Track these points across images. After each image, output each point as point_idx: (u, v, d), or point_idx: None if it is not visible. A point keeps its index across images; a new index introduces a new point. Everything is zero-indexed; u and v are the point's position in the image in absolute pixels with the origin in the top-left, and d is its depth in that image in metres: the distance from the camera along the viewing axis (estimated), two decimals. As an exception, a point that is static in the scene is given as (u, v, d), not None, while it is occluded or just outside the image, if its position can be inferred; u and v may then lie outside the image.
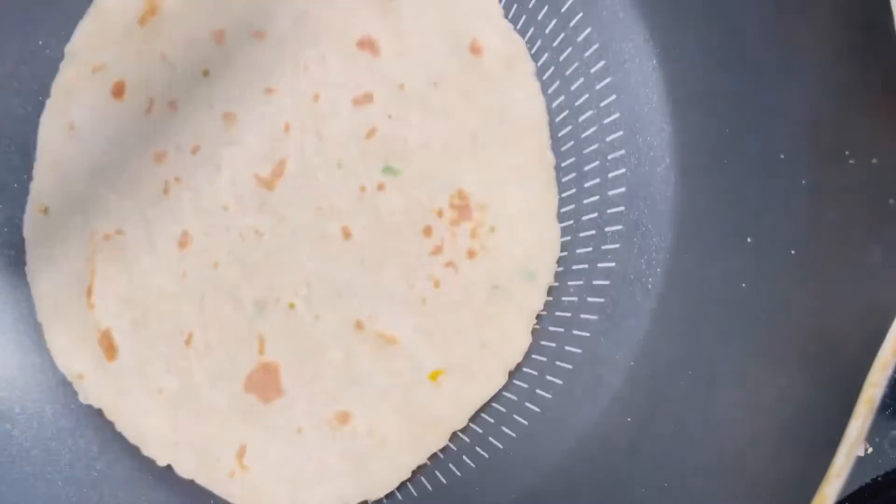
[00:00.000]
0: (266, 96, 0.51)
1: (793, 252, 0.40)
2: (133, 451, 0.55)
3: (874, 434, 0.47)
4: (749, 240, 0.42)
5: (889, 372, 0.32)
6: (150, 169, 0.54)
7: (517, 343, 0.48)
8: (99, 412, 0.56)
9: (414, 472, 0.49)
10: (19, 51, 0.59)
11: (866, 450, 0.45)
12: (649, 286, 0.46)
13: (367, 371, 0.49)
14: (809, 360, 0.37)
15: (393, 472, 0.49)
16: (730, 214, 0.44)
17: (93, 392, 0.55)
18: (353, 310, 0.49)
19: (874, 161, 0.36)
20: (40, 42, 0.59)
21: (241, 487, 0.52)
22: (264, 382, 0.51)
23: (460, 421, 0.48)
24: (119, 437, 0.56)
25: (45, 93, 0.59)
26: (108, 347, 0.54)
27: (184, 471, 0.53)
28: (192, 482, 0.53)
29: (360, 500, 0.50)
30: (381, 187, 0.49)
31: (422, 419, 0.49)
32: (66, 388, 0.57)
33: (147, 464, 0.55)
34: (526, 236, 0.48)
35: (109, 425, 0.56)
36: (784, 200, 0.41)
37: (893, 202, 0.35)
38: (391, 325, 0.49)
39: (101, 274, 0.55)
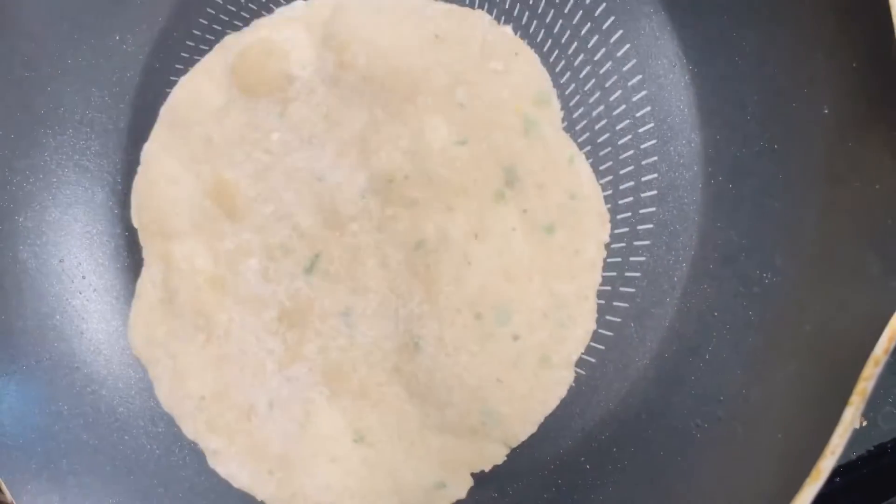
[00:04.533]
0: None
1: (806, 259, 0.46)
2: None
3: (869, 409, 0.54)
4: (769, 244, 0.48)
5: (880, 368, 0.38)
6: None
7: None
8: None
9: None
10: (97, 46, 0.64)
11: (862, 423, 0.52)
12: (675, 279, 0.52)
13: None
14: (815, 354, 0.43)
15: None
16: (750, 221, 0.49)
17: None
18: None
19: (877, 187, 0.41)
20: (117, 37, 0.64)
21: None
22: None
23: None
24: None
25: (123, 85, 0.64)
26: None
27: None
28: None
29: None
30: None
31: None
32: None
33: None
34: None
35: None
36: (800, 213, 0.46)
37: (892, 222, 0.40)
38: None
39: None
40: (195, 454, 0.60)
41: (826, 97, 0.44)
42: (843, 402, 0.39)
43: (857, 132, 0.43)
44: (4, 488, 0.57)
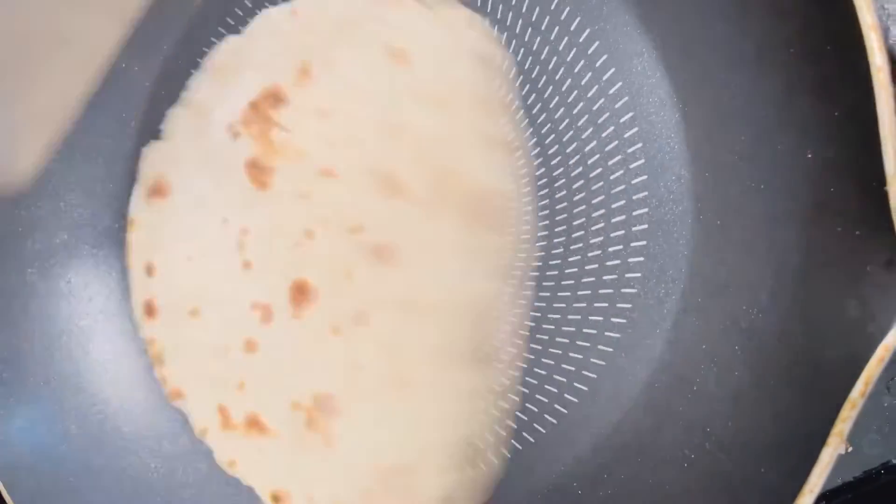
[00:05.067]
0: None
1: (789, 298, 0.47)
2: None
3: (854, 435, 0.55)
4: (755, 281, 0.49)
5: (857, 411, 0.40)
6: None
7: None
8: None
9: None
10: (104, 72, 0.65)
11: (847, 449, 0.53)
12: (665, 311, 0.53)
13: None
14: (797, 392, 0.44)
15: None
16: (737, 257, 0.50)
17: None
18: None
19: (857, 233, 0.42)
20: (123, 65, 0.65)
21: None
22: None
23: None
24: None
25: (129, 111, 0.66)
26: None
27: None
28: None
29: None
30: None
31: None
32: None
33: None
34: None
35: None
36: (784, 253, 0.47)
37: (871, 269, 0.42)
38: None
39: None
40: (198, 473, 0.62)
41: (810, 142, 0.46)
42: (822, 441, 0.40)
43: (839, 178, 0.44)
44: (13, 506, 0.58)
